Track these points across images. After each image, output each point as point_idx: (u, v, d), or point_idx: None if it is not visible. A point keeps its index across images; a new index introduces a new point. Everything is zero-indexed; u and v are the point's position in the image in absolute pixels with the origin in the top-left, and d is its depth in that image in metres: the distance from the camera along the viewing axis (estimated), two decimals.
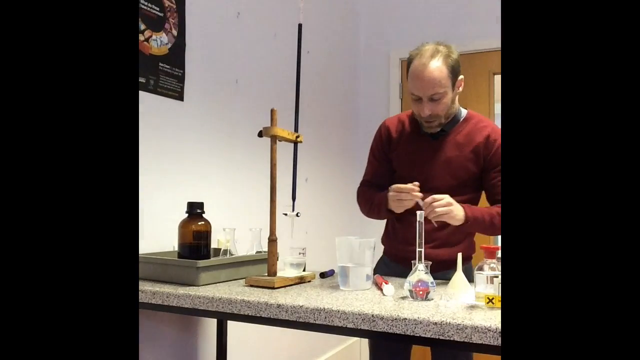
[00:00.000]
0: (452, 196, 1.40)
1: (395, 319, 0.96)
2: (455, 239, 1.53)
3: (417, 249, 1.15)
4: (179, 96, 1.73)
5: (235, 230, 1.55)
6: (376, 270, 1.54)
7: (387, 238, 1.66)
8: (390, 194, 1.42)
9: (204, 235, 1.35)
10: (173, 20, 1.70)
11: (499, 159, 1.49)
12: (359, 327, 1.00)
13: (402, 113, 1.68)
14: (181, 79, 1.73)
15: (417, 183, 1.38)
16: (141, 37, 1.57)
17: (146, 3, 1.59)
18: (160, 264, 1.35)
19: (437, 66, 1.41)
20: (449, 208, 1.34)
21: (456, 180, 1.52)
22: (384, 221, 1.72)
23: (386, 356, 1.66)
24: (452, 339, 0.92)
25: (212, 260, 1.33)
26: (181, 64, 1.73)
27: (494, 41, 2.83)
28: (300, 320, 1.06)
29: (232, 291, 1.20)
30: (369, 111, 3.16)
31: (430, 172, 1.52)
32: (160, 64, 1.64)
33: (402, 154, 1.58)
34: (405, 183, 1.53)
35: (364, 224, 1.76)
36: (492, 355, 0.92)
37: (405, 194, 1.37)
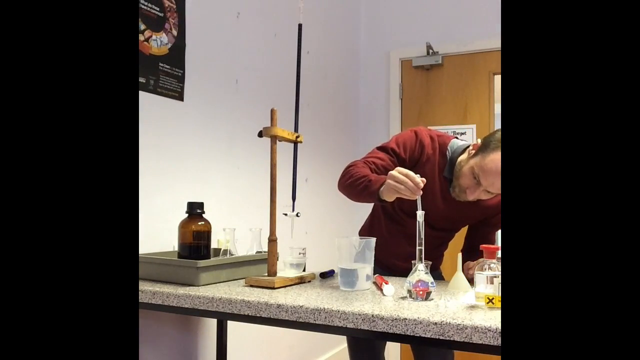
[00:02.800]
0: (433, 230, 1.51)
1: (395, 319, 0.96)
2: (433, 256, 1.58)
3: (417, 247, 1.15)
4: (179, 96, 1.73)
5: (235, 230, 1.55)
6: None
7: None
8: (393, 173, 1.21)
9: (204, 235, 1.35)
10: (173, 20, 1.70)
11: (499, 220, 1.52)
12: (359, 327, 1.00)
13: (434, 135, 1.50)
14: (181, 79, 1.73)
15: (424, 180, 1.20)
16: (141, 37, 1.57)
17: (146, 3, 1.59)
18: (160, 264, 1.35)
19: None
20: None
21: (452, 226, 1.57)
22: (372, 218, 1.71)
23: (366, 355, 1.67)
24: (452, 339, 0.92)
25: (212, 261, 1.33)
26: (181, 64, 1.73)
27: (494, 41, 2.83)
28: (300, 320, 1.06)
29: (232, 291, 1.20)
30: (369, 111, 3.17)
31: (432, 210, 1.47)
32: (160, 64, 1.64)
33: (420, 202, 1.49)
34: (404, 207, 1.53)
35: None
36: (492, 355, 0.92)
37: (405, 187, 1.18)
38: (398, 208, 1.56)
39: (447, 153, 1.48)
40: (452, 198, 1.46)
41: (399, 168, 1.23)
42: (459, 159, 1.43)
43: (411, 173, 1.20)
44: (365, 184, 1.35)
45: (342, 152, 2.90)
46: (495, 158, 1.30)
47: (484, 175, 1.32)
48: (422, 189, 1.19)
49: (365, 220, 1.72)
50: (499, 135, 1.34)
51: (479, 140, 1.40)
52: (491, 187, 1.33)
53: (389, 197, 1.27)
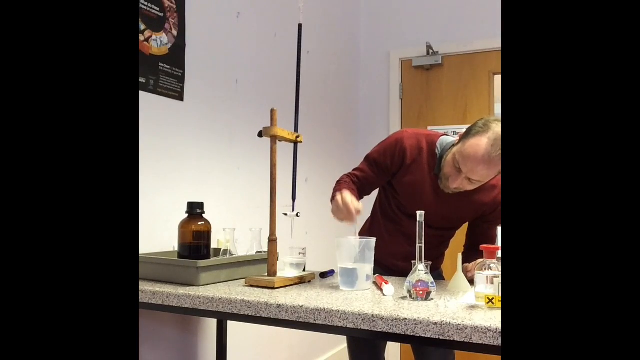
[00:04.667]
0: (431, 229, 1.49)
1: (395, 319, 0.96)
2: (433, 256, 1.58)
3: (417, 244, 1.15)
4: (179, 96, 1.73)
5: (235, 230, 1.55)
6: None
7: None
8: (334, 202, 1.35)
9: (204, 235, 1.35)
10: (173, 20, 1.70)
11: (498, 216, 1.51)
12: (359, 327, 1.00)
13: (422, 135, 1.51)
14: (181, 79, 1.73)
15: (360, 210, 1.31)
16: (141, 37, 1.57)
17: (146, 3, 1.59)
18: (160, 264, 1.35)
19: (496, 163, 1.29)
20: None
21: (449, 224, 1.57)
22: (368, 215, 1.72)
23: (366, 355, 1.67)
24: (452, 339, 0.92)
25: (212, 261, 1.33)
26: (181, 64, 1.73)
27: (494, 41, 2.83)
28: (300, 320, 1.06)
29: (232, 291, 1.20)
30: (369, 111, 3.17)
31: (428, 209, 1.43)
32: (160, 64, 1.64)
33: (408, 184, 1.49)
34: (404, 209, 1.54)
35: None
36: (493, 355, 0.92)
37: (344, 213, 1.31)
38: (396, 207, 1.56)
39: (437, 150, 1.48)
40: (444, 195, 1.46)
41: (344, 194, 1.33)
42: (446, 154, 1.43)
43: (349, 203, 1.30)
44: (333, 195, 1.45)
45: (342, 152, 2.90)
46: (474, 143, 1.30)
47: (463, 161, 1.32)
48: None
49: (365, 220, 1.72)
50: (481, 122, 1.34)
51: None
52: (471, 174, 1.32)
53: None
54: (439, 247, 1.64)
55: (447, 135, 1.53)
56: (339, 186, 1.52)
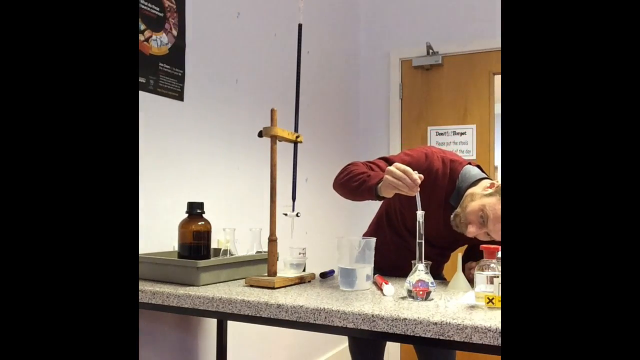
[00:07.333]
0: (433, 248, 1.47)
1: (395, 319, 0.96)
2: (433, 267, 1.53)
3: (417, 241, 1.15)
4: (179, 96, 1.73)
5: (235, 230, 1.55)
6: None
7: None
8: (390, 169, 1.20)
9: (204, 235, 1.35)
10: (173, 20, 1.70)
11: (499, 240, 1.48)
12: (359, 327, 1.00)
13: (447, 159, 1.43)
14: (181, 79, 1.73)
15: (421, 176, 1.20)
16: (141, 37, 1.57)
17: (146, 3, 1.59)
18: (160, 264, 1.35)
19: None
20: None
21: (451, 245, 1.56)
22: (370, 220, 1.70)
23: (368, 354, 1.66)
24: (452, 339, 0.92)
25: (212, 261, 1.33)
26: (181, 64, 1.73)
27: (494, 41, 2.83)
28: (300, 320, 1.06)
29: (232, 291, 1.20)
30: (369, 111, 3.17)
31: (434, 234, 1.42)
32: (160, 64, 1.64)
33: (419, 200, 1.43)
34: (407, 224, 1.50)
35: (364, 224, 1.76)
36: (493, 355, 0.92)
37: (403, 183, 1.18)
38: (402, 222, 1.53)
39: (457, 181, 1.41)
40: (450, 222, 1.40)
41: (396, 164, 1.22)
42: (471, 190, 1.36)
43: (409, 169, 1.19)
44: (363, 179, 1.34)
45: (342, 152, 2.90)
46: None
47: (494, 220, 1.27)
48: (420, 190, 1.19)
49: (369, 225, 1.70)
50: None
51: (499, 181, 1.34)
52: (494, 233, 1.29)
53: (387, 194, 1.26)
54: (440, 259, 1.62)
55: (470, 164, 1.45)
56: (356, 168, 1.40)
